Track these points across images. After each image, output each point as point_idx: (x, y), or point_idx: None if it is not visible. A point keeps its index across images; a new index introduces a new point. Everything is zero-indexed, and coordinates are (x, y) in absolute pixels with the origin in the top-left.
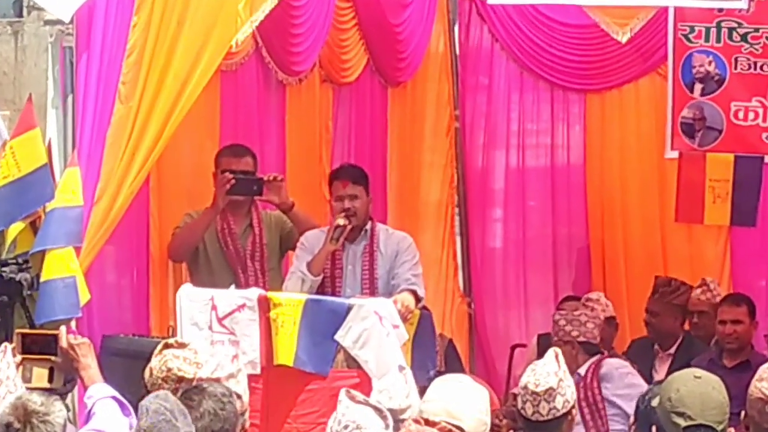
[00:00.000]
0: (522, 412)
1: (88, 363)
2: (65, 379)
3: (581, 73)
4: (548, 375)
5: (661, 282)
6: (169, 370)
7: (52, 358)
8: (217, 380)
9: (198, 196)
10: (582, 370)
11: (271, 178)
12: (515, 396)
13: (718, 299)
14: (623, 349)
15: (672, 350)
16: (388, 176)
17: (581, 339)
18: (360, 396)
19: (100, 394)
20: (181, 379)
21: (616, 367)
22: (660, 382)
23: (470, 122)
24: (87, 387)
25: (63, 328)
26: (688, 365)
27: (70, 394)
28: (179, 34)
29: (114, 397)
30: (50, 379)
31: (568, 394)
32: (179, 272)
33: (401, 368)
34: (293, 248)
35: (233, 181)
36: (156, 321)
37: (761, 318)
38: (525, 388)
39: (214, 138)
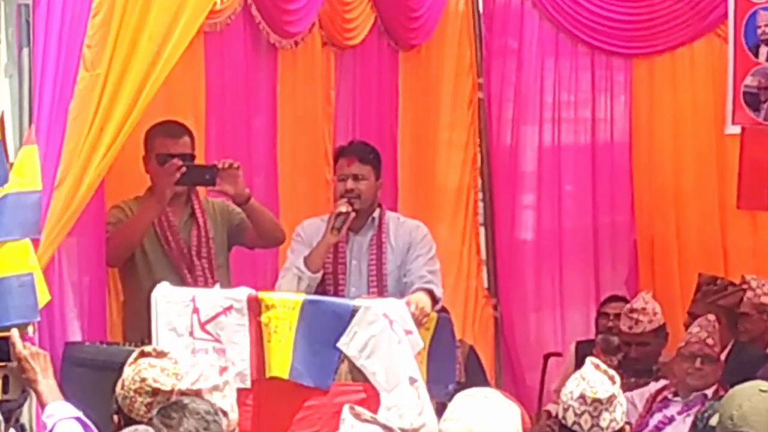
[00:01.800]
0: (575, 427)
1: (46, 377)
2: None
3: (627, 34)
4: (603, 382)
5: (704, 280)
6: (143, 380)
7: (6, 364)
8: (198, 392)
9: None
10: (709, 392)
11: (227, 165)
12: (549, 414)
13: (764, 299)
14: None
15: (722, 358)
16: (399, 155)
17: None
18: (366, 413)
19: (62, 413)
20: (156, 392)
21: None
22: (720, 397)
23: (496, 93)
24: (44, 405)
25: (15, 331)
26: (740, 374)
27: (26, 413)
28: None
29: (78, 418)
30: (4, 389)
31: (624, 406)
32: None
33: (413, 381)
34: (243, 243)
35: (183, 169)
36: (113, 326)
37: None
38: (581, 397)
39: (198, 111)
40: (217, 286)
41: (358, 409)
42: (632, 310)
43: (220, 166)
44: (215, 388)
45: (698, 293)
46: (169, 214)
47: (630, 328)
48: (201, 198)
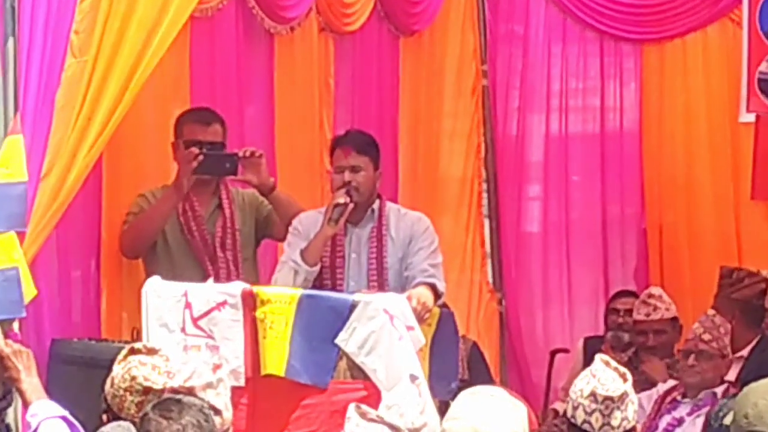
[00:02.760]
0: (585, 426)
1: (29, 376)
2: (3, 391)
3: (636, 19)
4: (614, 380)
5: (723, 272)
6: (133, 378)
7: None
8: (191, 390)
9: (162, 170)
10: (719, 390)
11: (248, 153)
12: (556, 413)
13: None
14: None
15: (744, 353)
16: (401, 145)
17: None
18: (372, 412)
19: (46, 412)
20: (147, 391)
21: None
22: (734, 395)
23: (502, 80)
24: (28, 404)
25: None
26: (760, 371)
27: (11, 412)
28: None
29: (63, 417)
30: None
31: (636, 405)
32: (136, 264)
33: (414, 378)
34: (271, 236)
35: (201, 158)
36: (107, 323)
37: None
38: (592, 395)
39: (184, 100)
40: (210, 280)
41: (364, 407)
42: (650, 296)
43: (240, 154)
44: (208, 385)
45: (718, 287)
46: (195, 203)
47: (647, 315)
48: (230, 188)
